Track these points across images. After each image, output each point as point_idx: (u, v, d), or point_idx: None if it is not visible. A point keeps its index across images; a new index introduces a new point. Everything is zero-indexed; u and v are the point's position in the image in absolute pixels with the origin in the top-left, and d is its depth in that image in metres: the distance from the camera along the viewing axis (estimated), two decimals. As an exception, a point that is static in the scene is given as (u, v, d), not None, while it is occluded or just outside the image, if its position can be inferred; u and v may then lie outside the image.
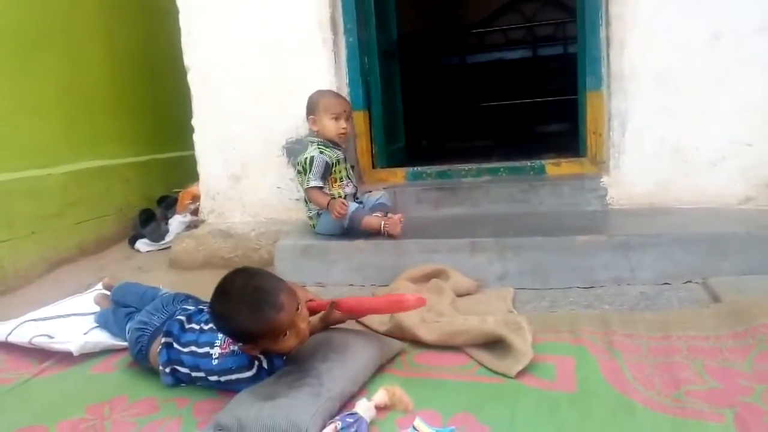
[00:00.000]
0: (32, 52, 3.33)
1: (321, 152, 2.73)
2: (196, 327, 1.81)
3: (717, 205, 2.70)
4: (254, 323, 1.55)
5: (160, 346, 1.81)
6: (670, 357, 1.71)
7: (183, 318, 1.85)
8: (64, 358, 2.06)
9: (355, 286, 2.62)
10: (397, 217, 2.68)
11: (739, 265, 2.29)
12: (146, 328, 1.89)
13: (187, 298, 2.06)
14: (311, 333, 1.80)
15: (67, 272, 3.29)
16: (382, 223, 2.63)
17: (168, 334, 1.81)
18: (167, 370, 1.80)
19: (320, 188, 2.71)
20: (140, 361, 1.91)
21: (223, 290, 1.61)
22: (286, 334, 1.60)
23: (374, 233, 2.65)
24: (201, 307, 1.94)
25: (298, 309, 1.62)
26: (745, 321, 1.80)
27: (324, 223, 2.76)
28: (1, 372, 2.05)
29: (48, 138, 3.43)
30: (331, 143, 2.79)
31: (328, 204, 2.66)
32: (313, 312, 1.83)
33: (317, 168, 2.69)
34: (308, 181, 2.71)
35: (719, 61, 2.64)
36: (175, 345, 1.78)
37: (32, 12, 3.34)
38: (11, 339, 2.20)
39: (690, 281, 2.31)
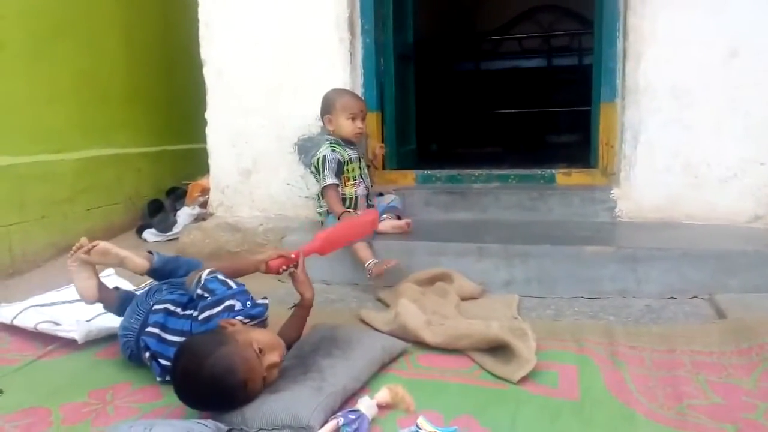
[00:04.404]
0: (51, 40, 3.35)
1: (333, 150, 2.74)
2: (175, 339, 1.72)
3: (726, 222, 2.70)
4: (230, 405, 1.50)
5: (148, 359, 1.78)
6: (674, 370, 1.71)
7: (157, 330, 1.76)
8: (69, 341, 2.07)
9: (360, 286, 2.63)
10: (404, 221, 2.68)
11: (747, 282, 2.29)
12: (129, 334, 1.84)
13: (160, 288, 1.93)
14: (293, 340, 1.85)
15: (74, 258, 3.30)
16: (371, 262, 2.53)
17: (147, 348, 1.76)
18: (166, 378, 1.75)
19: (336, 186, 2.72)
20: (135, 362, 1.87)
21: (180, 385, 1.50)
22: (264, 380, 1.55)
23: (359, 263, 2.58)
24: (173, 309, 1.80)
25: (261, 352, 1.53)
26: (750, 338, 1.80)
27: (332, 222, 2.77)
28: (6, 353, 2.07)
29: (62, 124, 3.45)
30: (345, 142, 2.79)
31: (340, 216, 2.64)
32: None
33: (330, 166, 2.70)
34: (324, 179, 2.71)
35: (735, 78, 2.64)
36: (162, 361, 1.74)
37: (53, 0, 3.37)
38: (16, 323, 2.21)
39: (696, 296, 2.31)
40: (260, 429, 1.46)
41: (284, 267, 1.93)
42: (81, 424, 1.59)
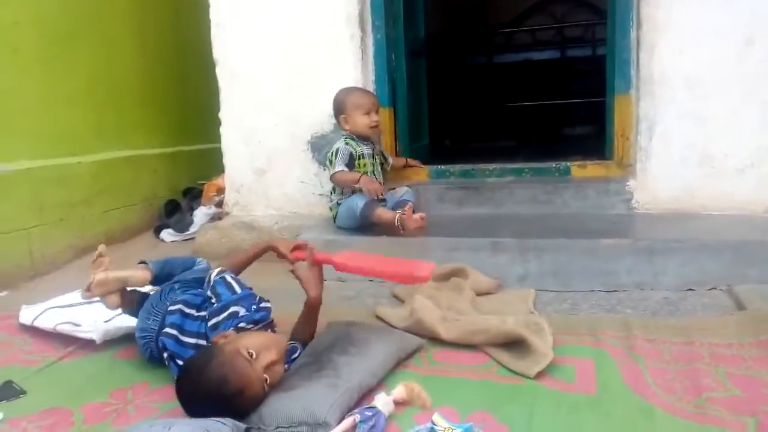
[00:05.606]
0: (66, 42, 3.39)
1: (347, 143, 2.81)
2: (192, 341, 1.76)
3: (744, 212, 2.67)
4: (238, 413, 1.49)
5: (167, 359, 1.79)
6: (692, 363, 1.69)
7: (175, 332, 1.78)
8: (88, 342, 2.10)
9: (375, 282, 2.63)
10: (418, 215, 2.69)
11: (765, 273, 2.25)
12: (148, 335, 1.85)
13: (173, 287, 1.94)
14: (307, 338, 1.86)
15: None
16: (397, 215, 2.64)
17: (165, 348, 1.78)
18: None
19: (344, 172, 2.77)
20: (156, 362, 1.88)
21: (186, 405, 1.51)
22: (267, 381, 1.54)
23: (389, 227, 2.66)
24: (188, 311, 1.83)
25: (253, 356, 1.51)
26: (770, 330, 1.78)
27: (342, 214, 2.80)
28: (27, 354, 2.10)
29: (79, 127, 3.49)
30: (360, 138, 2.83)
31: (359, 180, 2.71)
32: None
33: (341, 156, 2.78)
34: (333, 167, 2.77)
35: (751, 66, 2.60)
36: (179, 361, 1.75)
37: (68, 3, 3.41)
38: (37, 324, 2.25)
39: (714, 288, 2.29)
40: (278, 427, 1.47)
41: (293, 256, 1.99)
42: (102, 423, 1.61)
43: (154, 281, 2.01)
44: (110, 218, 3.64)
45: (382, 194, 2.75)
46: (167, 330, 1.80)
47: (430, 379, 1.69)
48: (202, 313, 1.80)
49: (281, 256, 2.03)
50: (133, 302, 2.00)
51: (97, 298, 2.35)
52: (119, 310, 2.03)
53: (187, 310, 1.83)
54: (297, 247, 2.03)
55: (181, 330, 1.79)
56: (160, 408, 1.66)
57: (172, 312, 1.83)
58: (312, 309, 1.90)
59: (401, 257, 2.48)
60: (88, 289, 1.90)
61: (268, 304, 1.80)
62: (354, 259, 1.95)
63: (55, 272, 3.14)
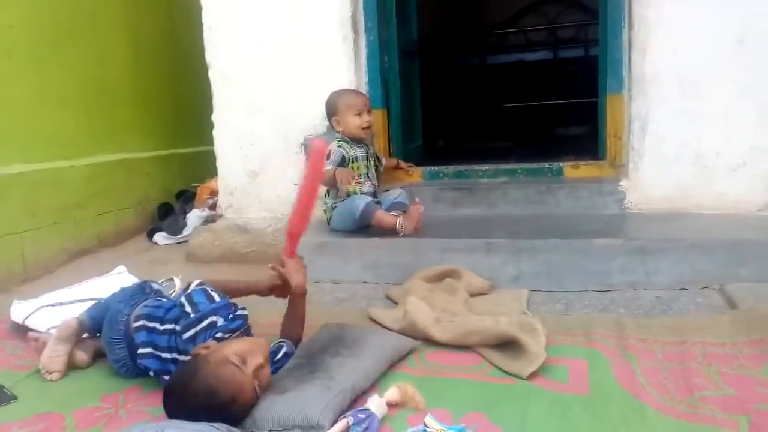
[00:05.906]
0: (58, 45, 3.38)
1: (339, 146, 2.79)
2: (169, 356, 1.73)
3: (737, 212, 2.67)
4: (232, 420, 1.47)
5: (153, 376, 1.77)
6: (685, 362, 1.70)
7: (150, 350, 1.75)
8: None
9: (369, 284, 2.63)
10: (415, 208, 2.67)
11: (758, 272, 2.26)
12: (124, 363, 1.84)
13: (119, 309, 1.86)
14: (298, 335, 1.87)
15: (86, 263, 3.33)
16: (398, 220, 2.63)
17: (148, 369, 1.76)
18: None
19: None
20: (143, 377, 1.84)
21: (168, 407, 1.50)
22: (258, 385, 1.53)
23: (387, 231, 2.65)
24: (152, 325, 1.78)
25: (242, 362, 1.50)
26: (762, 328, 1.79)
27: (337, 217, 2.80)
28: (18, 359, 2.09)
29: (72, 130, 3.47)
30: (353, 140, 2.83)
31: (333, 173, 2.67)
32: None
33: (334, 159, 2.75)
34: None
35: (743, 65, 2.61)
36: (166, 377, 1.72)
37: (59, 5, 3.39)
38: (28, 323, 2.23)
39: (707, 287, 2.29)
40: (271, 430, 1.46)
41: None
42: (94, 428, 1.60)
43: (91, 329, 1.97)
44: (103, 221, 3.63)
45: (355, 180, 2.75)
46: (142, 351, 1.76)
47: (423, 380, 1.69)
48: (168, 327, 1.75)
49: (280, 292, 1.98)
50: (92, 345, 1.99)
51: (89, 296, 2.34)
52: None
53: (151, 324, 1.78)
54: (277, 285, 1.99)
55: (155, 346, 1.75)
56: (152, 412, 1.65)
57: (138, 329, 1.78)
58: (297, 299, 1.89)
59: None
60: (49, 372, 1.89)
61: (244, 311, 1.77)
62: (294, 214, 1.90)
63: (47, 276, 3.12)
